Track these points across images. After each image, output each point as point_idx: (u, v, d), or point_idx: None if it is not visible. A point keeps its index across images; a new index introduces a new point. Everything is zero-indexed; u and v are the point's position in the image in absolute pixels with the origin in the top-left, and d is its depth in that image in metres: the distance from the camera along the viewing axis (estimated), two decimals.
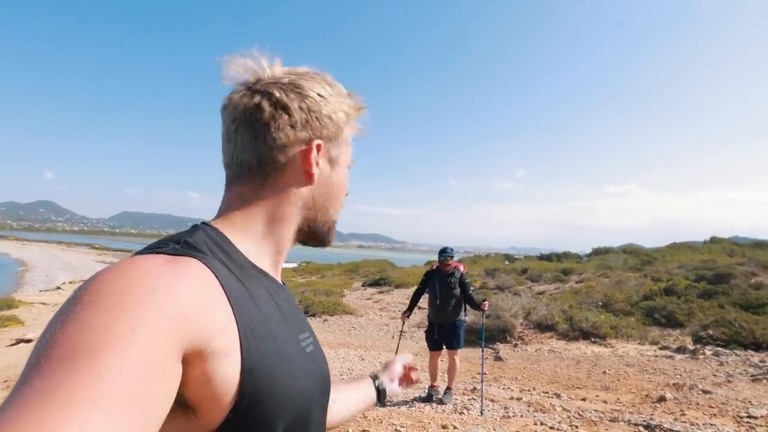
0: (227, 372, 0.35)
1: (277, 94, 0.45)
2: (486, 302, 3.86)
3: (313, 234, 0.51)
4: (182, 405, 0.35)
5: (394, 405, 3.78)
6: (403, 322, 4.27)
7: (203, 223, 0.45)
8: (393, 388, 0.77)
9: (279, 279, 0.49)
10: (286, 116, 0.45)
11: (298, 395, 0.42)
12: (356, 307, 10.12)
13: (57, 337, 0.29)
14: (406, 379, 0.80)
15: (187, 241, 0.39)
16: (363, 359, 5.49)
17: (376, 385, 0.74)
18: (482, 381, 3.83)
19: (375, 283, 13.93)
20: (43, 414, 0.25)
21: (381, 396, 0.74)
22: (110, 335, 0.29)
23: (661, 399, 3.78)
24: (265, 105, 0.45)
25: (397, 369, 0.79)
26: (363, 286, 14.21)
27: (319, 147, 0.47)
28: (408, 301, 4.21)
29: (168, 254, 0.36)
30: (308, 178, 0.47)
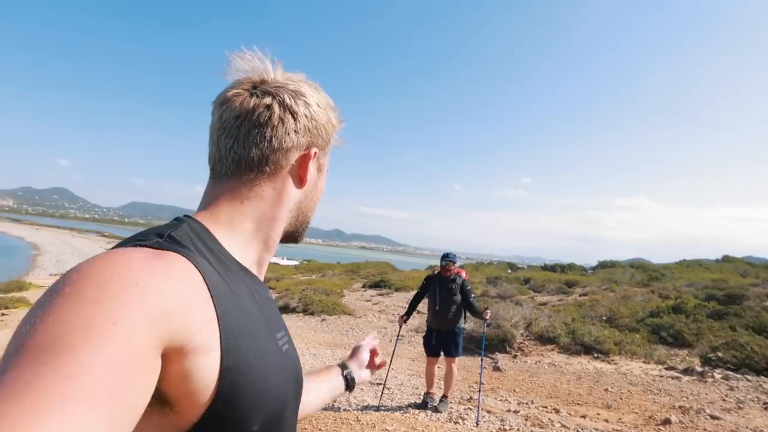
0: (206, 369, 0.35)
1: (288, 99, 0.47)
2: (488, 310, 3.79)
3: (291, 234, 0.53)
4: (160, 401, 0.34)
5: (388, 410, 3.70)
6: (400, 326, 4.21)
7: (186, 216, 0.45)
8: (362, 375, 0.78)
9: (262, 277, 0.50)
10: (293, 121, 0.47)
11: (274, 395, 0.42)
12: (355, 308, 10.07)
13: (38, 327, 0.28)
14: (372, 365, 0.81)
15: (171, 235, 0.39)
16: None
17: (344, 374, 0.75)
18: (479, 391, 3.76)
19: (375, 285, 13.88)
20: (21, 405, 0.24)
21: (350, 385, 0.75)
22: (91, 328, 0.28)
23: (666, 422, 3.62)
24: (276, 107, 0.46)
25: (365, 356, 0.80)
26: (363, 287, 14.16)
27: (315, 154, 0.49)
28: (407, 305, 4.15)
29: (152, 248, 0.36)
30: (301, 182, 0.50)
